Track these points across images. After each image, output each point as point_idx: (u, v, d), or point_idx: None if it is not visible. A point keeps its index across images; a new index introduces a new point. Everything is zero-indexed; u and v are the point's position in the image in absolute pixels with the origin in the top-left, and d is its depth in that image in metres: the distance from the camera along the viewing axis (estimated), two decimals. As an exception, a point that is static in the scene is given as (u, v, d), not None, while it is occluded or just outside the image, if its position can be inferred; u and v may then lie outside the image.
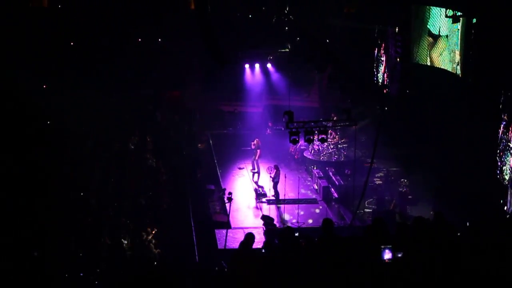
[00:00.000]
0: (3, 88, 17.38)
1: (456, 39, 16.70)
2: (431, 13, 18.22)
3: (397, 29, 20.04)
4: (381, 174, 20.14)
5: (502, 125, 14.26)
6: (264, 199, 19.37)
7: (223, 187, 19.68)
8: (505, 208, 13.96)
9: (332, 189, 19.47)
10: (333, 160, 22.03)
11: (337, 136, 22.51)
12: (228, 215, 16.96)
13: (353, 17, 22.38)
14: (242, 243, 8.26)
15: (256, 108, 27.20)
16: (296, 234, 9.26)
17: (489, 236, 7.37)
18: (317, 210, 18.75)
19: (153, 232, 15.60)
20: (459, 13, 16.00)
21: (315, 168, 21.29)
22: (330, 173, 20.56)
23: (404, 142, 19.94)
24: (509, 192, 13.83)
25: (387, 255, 6.94)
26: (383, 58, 21.71)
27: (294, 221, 17.70)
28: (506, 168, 14.08)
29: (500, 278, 6.48)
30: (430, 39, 18.43)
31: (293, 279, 7.16)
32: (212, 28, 14.47)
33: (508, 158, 13.96)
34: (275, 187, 19.05)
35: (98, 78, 23.11)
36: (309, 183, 20.99)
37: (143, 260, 14.27)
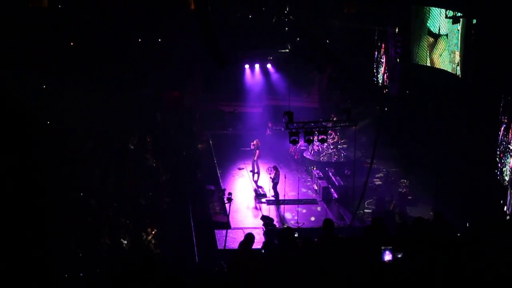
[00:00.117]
0: (3, 88, 17.37)
1: (456, 39, 16.70)
2: (431, 12, 18.23)
3: (397, 30, 20.05)
4: (381, 174, 20.15)
5: (502, 128, 14.27)
6: (263, 200, 19.37)
7: (223, 188, 19.69)
8: (505, 208, 13.97)
9: (332, 190, 19.47)
10: (333, 161, 22.04)
11: (336, 137, 22.50)
12: (228, 216, 16.96)
13: (353, 18, 22.39)
14: (241, 243, 8.27)
15: (256, 109, 27.21)
16: (296, 235, 9.26)
17: (489, 236, 7.37)
18: (319, 208, 18.78)
19: (153, 232, 15.59)
20: (459, 14, 16.01)
21: (315, 168, 21.29)
22: (330, 174, 20.56)
23: (404, 142, 19.95)
24: (509, 193, 13.83)
25: (388, 256, 6.94)
26: (383, 59, 21.72)
27: (293, 222, 17.69)
28: (506, 169, 14.09)
29: (500, 279, 6.48)
30: (430, 39, 18.43)
31: (292, 279, 7.16)
32: (212, 28, 14.46)
33: (508, 159, 13.97)
34: (275, 187, 19.06)
35: (98, 78, 23.10)
36: (309, 184, 20.99)
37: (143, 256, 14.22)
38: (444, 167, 17.20)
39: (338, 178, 20.01)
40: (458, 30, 16.45)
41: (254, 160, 21.27)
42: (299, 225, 17.33)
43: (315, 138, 17.37)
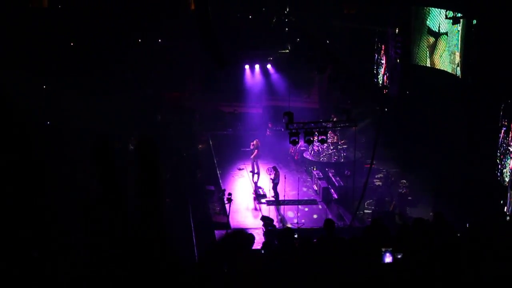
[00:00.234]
0: (3, 88, 17.36)
1: (456, 40, 16.71)
2: (431, 11, 18.25)
3: (397, 30, 20.06)
4: (380, 175, 20.14)
5: (502, 131, 14.28)
6: (263, 200, 19.37)
7: (222, 188, 19.68)
8: (505, 209, 13.98)
9: (332, 190, 19.46)
10: (333, 161, 22.02)
11: (336, 137, 22.50)
12: (227, 216, 16.96)
13: (353, 18, 22.40)
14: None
15: (256, 109, 27.19)
16: (296, 236, 9.25)
17: (489, 237, 7.37)
18: (319, 211, 18.78)
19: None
20: (459, 15, 16.02)
21: (314, 169, 21.28)
22: (330, 174, 20.55)
23: (404, 143, 19.94)
24: (509, 194, 13.84)
25: (388, 258, 6.92)
26: (383, 59, 21.73)
27: (295, 221, 17.69)
28: (506, 170, 14.10)
29: (500, 279, 6.47)
30: (430, 39, 18.44)
31: (292, 280, 7.15)
32: (212, 29, 14.46)
33: (508, 161, 13.98)
34: (275, 188, 19.06)
35: (98, 79, 23.11)
36: (308, 184, 20.99)
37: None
38: (444, 168, 17.21)
39: (338, 178, 20.00)
40: (458, 30, 16.47)
41: (254, 161, 21.26)
42: (299, 225, 17.32)
43: (315, 138, 17.36)
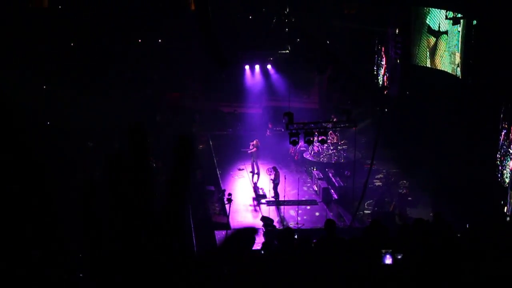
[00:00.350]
0: (3, 88, 17.37)
1: (456, 40, 16.72)
2: (430, 10, 18.25)
3: (397, 31, 20.05)
4: (380, 175, 20.13)
5: (503, 133, 14.28)
6: (263, 200, 19.36)
7: (222, 188, 19.66)
8: (505, 209, 13.97)
9: (332, 191, 19.45)
10: (333, 162, 22.02)
11: (336, 137, 22.49)
12: (227, 216, 16.95)
13: (353, 19, 22.39)
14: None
15: (256, 109, 27.19)
16: (295, 236, 9.24)
17: (489, 237, 7.37)
18: (317, 214, 18.79)
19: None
20: (459, 15, 16.02)
21: (315, 169, 21.27)
22: (330, 175, 20.54)
23: (404, 143, 19.94)
24: (509, 194, 13.84)
25: (388, 260, 6.91)
26: (383, 60, 21.72)
27: (297, 222, 17.69)
28: (506, 171, 14.10)
29: (500, 279, 6.47)
30: (431, 40, 18.44)
31: (291, 280, 7.15)
32: (212, 29, 14.47)
33: (508, 162, 13.98)
34: (275, 188, 19.05)
35: (98, 79, 23.11)
36: (308, 184, 20.98)
37: None
38: (444, 168, 17.21)
39: (338, 179, 19.99)
40: (459, 31, 16.47)
41: (254, 161, 21.26)
42: (299, 226, 17.31)
43: (315, 139, 17.36)
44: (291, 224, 17.56)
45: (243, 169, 22.33)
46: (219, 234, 16.38)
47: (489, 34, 14.99)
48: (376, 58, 22.27)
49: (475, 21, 15.63)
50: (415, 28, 19.27)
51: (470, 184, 15.56)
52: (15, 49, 20.19)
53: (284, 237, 8.00)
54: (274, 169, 19.32)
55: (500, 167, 14.47)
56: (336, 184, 19.68)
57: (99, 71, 23.28)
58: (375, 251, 6.95)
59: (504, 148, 14.24)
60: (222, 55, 15.22)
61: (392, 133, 19.73)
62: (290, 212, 18.25)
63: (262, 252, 9.10)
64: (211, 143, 25.16)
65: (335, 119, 20.61)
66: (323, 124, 17.00)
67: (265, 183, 20.25)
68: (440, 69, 18.05)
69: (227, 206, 16.95)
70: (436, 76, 18.29)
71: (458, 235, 8.01)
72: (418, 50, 19.28)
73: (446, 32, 17.35)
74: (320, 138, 16.84)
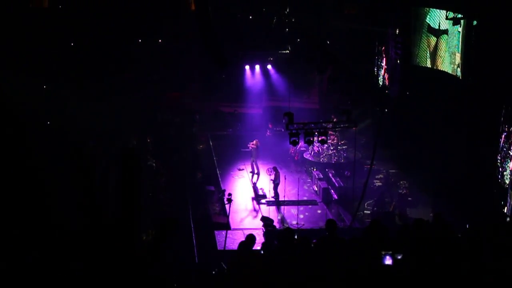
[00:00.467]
0: (3, 88, 17.38)
1: (456, 41, 16.71)
2: (430, 11, 18.25)
3: (397, 31, 20.05)
4: (380, 175, 20.14)
5: (503, 135, 14.28)
6: (263, 201, 19.36)
7: (222, 188, 19.68)
8: (505, 210, 13.98)
9: (332, 191, 19.46)
10: (333, 162, 22.03)
11: (336, 138, 22.50)
12: (227, 216, 16.95)
13: (353, 19, 22.40)
14: (241, 243, 8.23)
15: (256, 110, 27.21)
16: (295, 236, 9.24)
17: (489, 237, 7.36)
18: (319, 211, 18.79)
19: (153, 233, 15.57)
20: (459, 15, 16.02)
21: (315, 169, 21.28)
22: (330, 175, 20.55)
23: (404, 143, 19.93)
24: (509, 194, 13.84)
25: (388, 261, 6.90)
26: (383, 60, 21.73)
27: (296, 222, 17.70)
28: (506, 173, 14.11)
29: (500, 279, 6.48)
30: (431, 40, 18.44)
31: (291, 280, 7.15)
32: (212, 29, 14.46)
33: (508, 163, 13.98)
34: (275, 188, 19.06)
35: (98, 79, 23.12)
36: (309, 185, 20.98)
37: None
38: (444, 168, 17.21)
39: (338, 179, 20.00)
40: (459, 31, 16.46)
41: (254, 161, 21.27)
42: (299, 226, 17.31)
43: (315, 139, 17.36)
44: (293, 223, 17.58)
45: (243, 169, 22.34)
46: (219, 234, 16.39)
47: (489, 34, 14.98)
48: (376, 59, 22.27)
49: (476, 22, 15.62)
50: (415, 28, 19.26)
51: (470, 184, 15.56)
52: (15, 49, 20.18)
53: (284, 237, 7.99)
54: (274, 169, 19.33)
55: (500, 169, 14.48)
56: (336, 184, 19.69)
57: (99, 71, 23.28)
58: (375, 251, 6.95)
59: (504, 150, 14.25)
60: (222, 55, 15.21)
61: (392, 133, 19.72)
62: (292, 211, 18.26)
63: (262, 252, 9.09)
64: (211, 143, 25.18)
65: (335, 119, 20.61)
66: (323, 124, 16.98)
67: (265, 183, 20.26)
68: (441, 69, 18.04)
69: (227, 206, 16.93)
70: (436, 76, 18.28)
71: (458, 235, 8.00)
72: (418, 50, 19.27)
73: (446, 32, 17.35)
74: (320, 138, 16.83)
